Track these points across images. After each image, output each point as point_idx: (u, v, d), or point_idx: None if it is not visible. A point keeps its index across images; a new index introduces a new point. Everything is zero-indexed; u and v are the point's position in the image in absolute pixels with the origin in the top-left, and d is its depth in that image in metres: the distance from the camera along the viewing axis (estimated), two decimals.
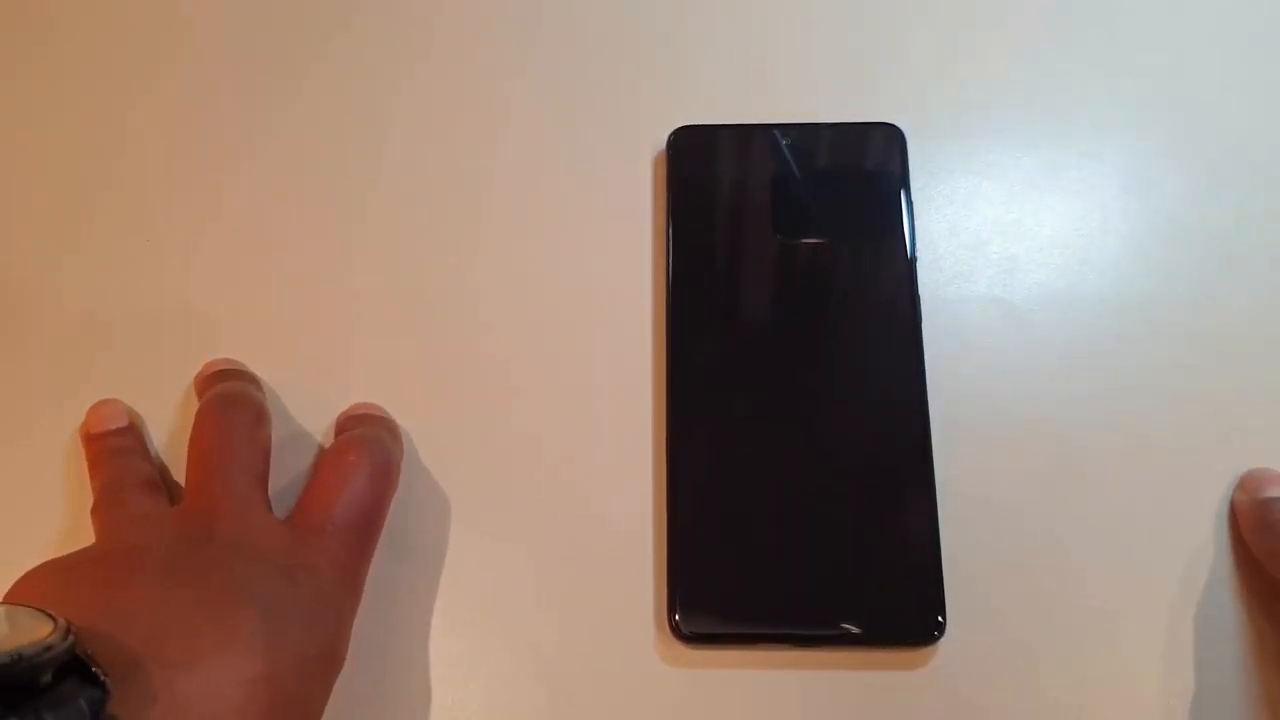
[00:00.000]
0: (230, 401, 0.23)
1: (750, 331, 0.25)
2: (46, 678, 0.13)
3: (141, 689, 0.16)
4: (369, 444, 0.23)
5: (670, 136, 0.28)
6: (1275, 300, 0.26)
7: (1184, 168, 0.27)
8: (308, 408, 0.25)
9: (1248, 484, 0.23)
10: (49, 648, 0.14)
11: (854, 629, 0.22)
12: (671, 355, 0.25)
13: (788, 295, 0.26)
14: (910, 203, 0.27)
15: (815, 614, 0.22)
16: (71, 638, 0.14)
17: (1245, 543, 0.23)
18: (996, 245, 0.27)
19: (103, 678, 0.14)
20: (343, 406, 0.25)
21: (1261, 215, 0.27)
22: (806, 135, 0.28)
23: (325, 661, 0.20)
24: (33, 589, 0.19)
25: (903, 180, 0.27)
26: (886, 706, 0.22)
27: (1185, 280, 0.26)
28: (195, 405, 0.24)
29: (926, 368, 0.25)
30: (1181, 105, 0.28)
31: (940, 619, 0.22)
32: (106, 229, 0.28)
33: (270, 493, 0.23)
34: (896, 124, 0.28)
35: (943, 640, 0.22)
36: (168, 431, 0.25)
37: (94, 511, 0.22)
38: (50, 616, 0.15)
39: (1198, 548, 0.23)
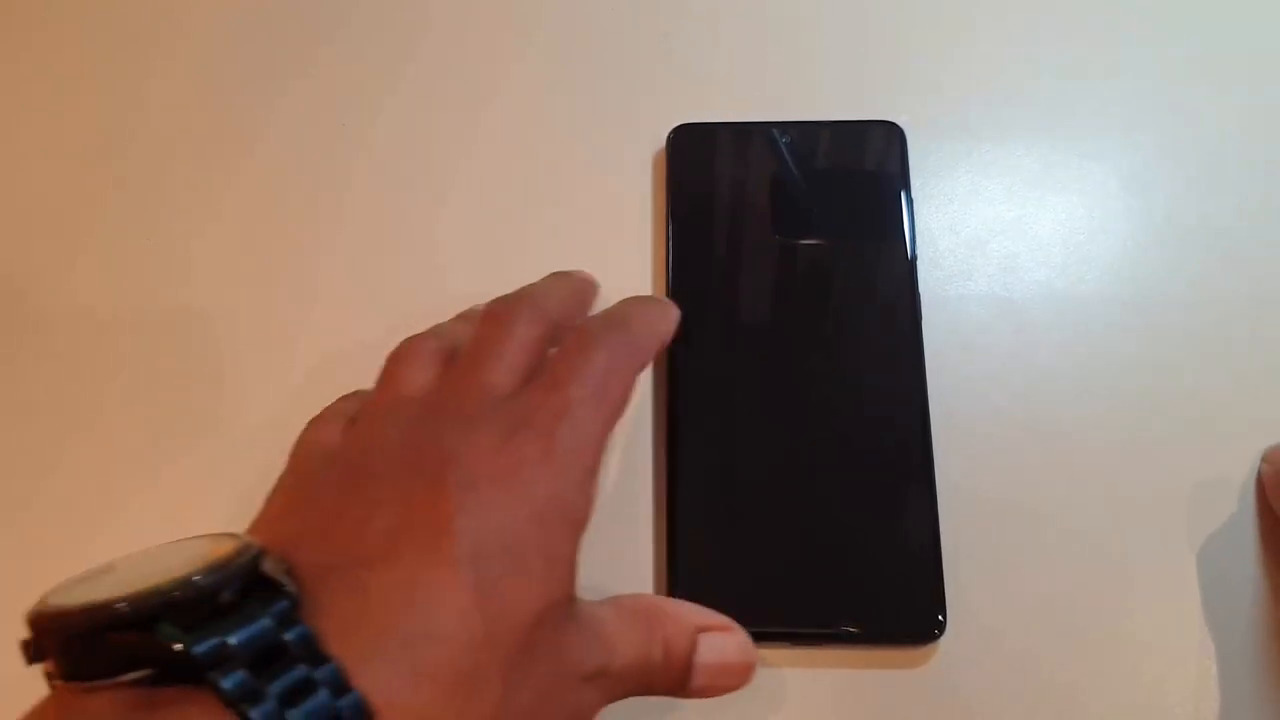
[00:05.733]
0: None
1: (750, 331, 0.25)
2: (226, 595, 0.13)
3: (334, 590, 0.14)
4: (611, 319, 0.20)
5: (669, 135, 0.28)
6: (1275, 298, 0.26)
7: (1183, 167, 0.27)
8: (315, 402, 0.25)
9: (1273, 456, 0.23)
10: (219, 567, 0.13)
11: (853, 628, 0.22)
12: (671, 355, 0.25)
13: (787, 295, 0.26)
14: (910, 201, 0.27)
15: (815, 613, 0.22)
16: (252, 553, 0.14)
17: (1264, 502, 0.23)
18: (997, 244, 0.27)
19: (288, 588, 0.14)
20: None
21: (1261, 213, 0.27)
22: (806, 133, 0.28)
23: (557, 522, 0.17)
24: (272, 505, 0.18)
25: (903, 178, 0.27)
26: (887, 706, 0.22)
27: (1185, 279, 0.26)
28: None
29: (927, 366, 0.24)
30: (1181, 105, 0.28)
31: (940, 618, 0.22)
32: (113, 227, 0.28)
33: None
34: (896, 122, 0.28)
35: (943, 639, 0.22)
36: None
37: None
38: (233, 536, 0.14)
39: (1196, 545, 0.23)
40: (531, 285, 0.21)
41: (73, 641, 0.13)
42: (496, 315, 0.19)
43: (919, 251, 0.26)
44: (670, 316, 0.21)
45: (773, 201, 0.27)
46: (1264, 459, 0.24)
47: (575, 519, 0.17)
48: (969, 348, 0.25)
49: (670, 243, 0.26)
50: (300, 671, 0.12)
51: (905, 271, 0.26)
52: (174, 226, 0.28)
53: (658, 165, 0.28)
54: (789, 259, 0.26)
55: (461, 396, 0.18)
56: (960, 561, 0.22)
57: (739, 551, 0.23)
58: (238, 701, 0.12)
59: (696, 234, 0.26)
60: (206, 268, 0.27)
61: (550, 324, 0.20)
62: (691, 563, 0.22)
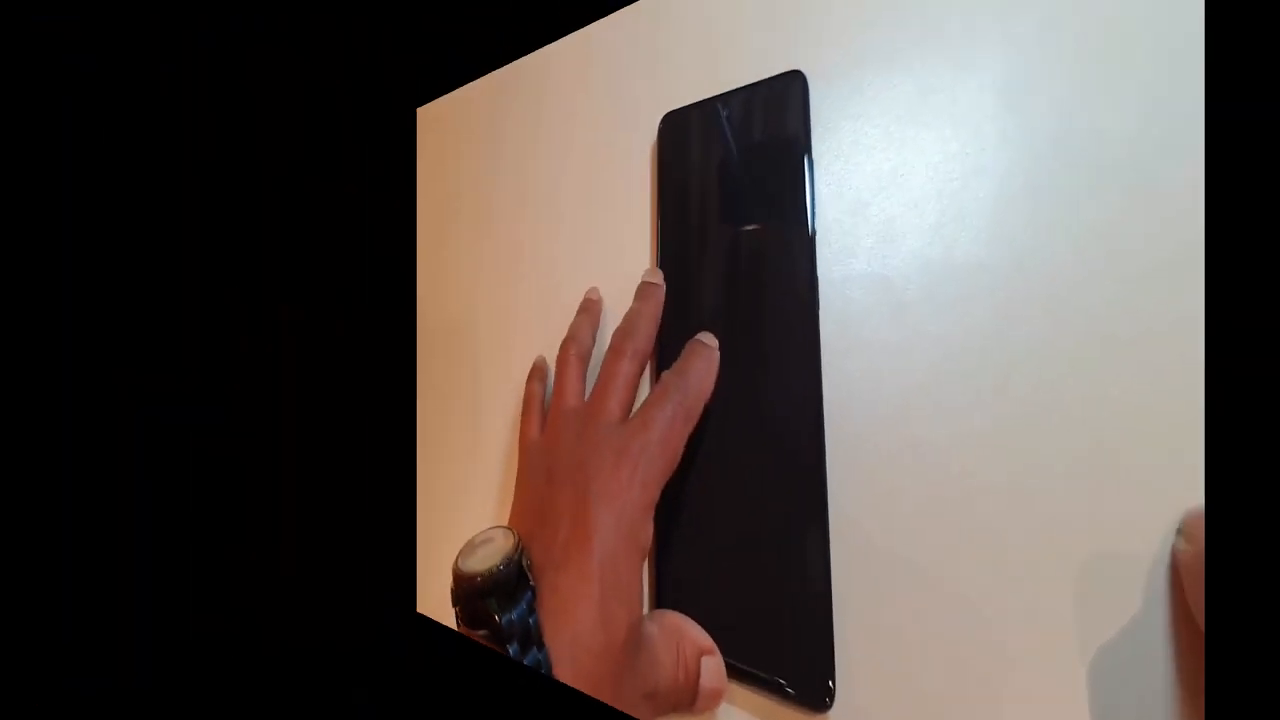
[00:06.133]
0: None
1: (687, 335, 0.23)
2: (513, 581, 0.18)
3: (544, 586, 0.18)
4: (678, 376, 0.23)
5: (659, 124, 0.26)
6: (1198, 240, 0.16)
7: (1073, 64, 0.18)
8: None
9: (1192, 531, 0.16)
10: (512, 558, 0.18)
11: (751, 668, 0.20)
12: (662, 357, 0.24)
13: (716, 287, 0.23)
14: (812, 165, 0.22)
15: (725, 640, 0.20)
16: (522, 549, 0.19)
17: (1180, 589, 0.16)
18: (876, 205, 0.21)
19: (533, 582, 0.18)
20: None
21: (1177, 119, 0.17)
22: (731, 104, 0.24)
23: (635, 548, 0.20)
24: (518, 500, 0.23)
25: (805, 139, 0.22)
26: None
27: (1081, 223, 0.18)
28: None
29: (823, 367, 0.21)
30: None
31: (830, 684, 0.18)
32: (443, 273, 0.32)
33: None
34: (800, 69, 0.23)
35: (836, 708, 0.18)
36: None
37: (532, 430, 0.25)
38: (512, 532, 0.19)
39: (1088, 654, 0.16)
40: (634, 318, 0.24)
41: (464, 599, 0.18)
42: (616, 350, 0.24)
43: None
44: (712, 370, 0.22)
45: (702, 185, 0.25)
46: (1180, 532, 0.16)
47: (643, 547, 0.20)
48: (854, 342, 0.20)
49: (661, 239, 0.25)
50: (535, 653, 0.17)
51: (805, 254, 0.21)
52: (463, 277, 0.32)
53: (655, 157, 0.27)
54: (717, 248, 0.24)
55: (593, 421, 0.22)
56: (858, 611, 0.19)
57: (674, 564, 0.22)
58: None
59: (675, 227, 0.25)
60: (476, 290, 0.31)
61: (643, 357, 0.24)
62: (666, 580, 0.22)
